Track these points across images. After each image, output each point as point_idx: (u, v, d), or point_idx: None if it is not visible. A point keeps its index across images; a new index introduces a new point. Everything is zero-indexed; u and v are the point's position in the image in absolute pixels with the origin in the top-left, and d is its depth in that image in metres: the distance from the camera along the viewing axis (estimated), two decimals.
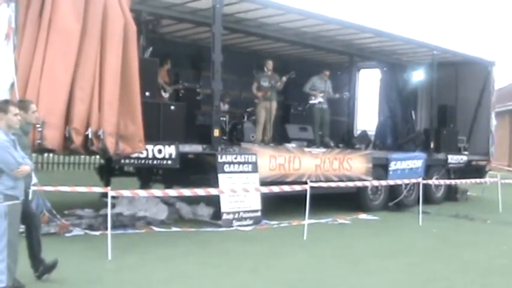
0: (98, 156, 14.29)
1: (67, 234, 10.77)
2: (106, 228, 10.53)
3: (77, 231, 11.04)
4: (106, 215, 11.69)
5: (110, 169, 14.81)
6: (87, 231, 11.16)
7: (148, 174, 14.98)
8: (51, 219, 10.72)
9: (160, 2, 14.10)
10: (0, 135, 6.55)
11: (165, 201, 13.64)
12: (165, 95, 14.76)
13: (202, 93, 16.40)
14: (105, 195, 13.23)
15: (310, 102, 16.77)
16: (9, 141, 6.59)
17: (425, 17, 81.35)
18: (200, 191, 10.71)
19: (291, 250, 10.45)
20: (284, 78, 15.65)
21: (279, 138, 16.64)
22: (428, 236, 12.73)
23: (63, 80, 9.78)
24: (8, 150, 6.53)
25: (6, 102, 7.01)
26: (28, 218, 7.27)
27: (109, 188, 9.34)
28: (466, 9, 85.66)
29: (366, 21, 16.77)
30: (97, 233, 11.03)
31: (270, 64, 15.61)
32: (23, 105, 7.37)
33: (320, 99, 16.70)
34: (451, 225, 14.39)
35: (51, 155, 20.60)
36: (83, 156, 21.00)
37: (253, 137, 15.35)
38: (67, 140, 9.84)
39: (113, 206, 9.69)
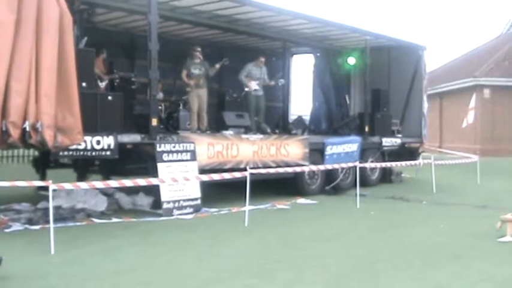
0: (31, 149, 14.14)
1: (6, 230, 10.66)
2: (46, 222, 10.53)
3: (17, 227, 10.93)
4: (45, 209, 11.70)
5: (46, 161, 14.64)
6: (26, 225, 11.05)
7: (85, 165, 14.86)
8: None
9: None
10: None
11: (104, 192, 13.57)
12: (102, 85, 14.65)
13: (137, 83, 16.34)
14: (42, 188, 13.20)
15: (246, 90, 16.89)
16: None
17: (358, 2, 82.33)
18: (141, 181, 10.73)
19: (233, 237, 10.56)
20: (217, 65, 15.76)
21: (216, 125, 16.73)
22: (367, 218, 13.04)
23: None
24: None
25: None
26: None
27: (50, 181, 9.25)
28: None
29: (299, 7, 16.92)
30: (37, 227, 10.94)
31: (198, 50, 15.60)
32: None
33: (256, 87, 16.85)
34: (388, 207, 14.74)
35: None
36: (16, 150, 20.67)
37: (189, 125, 15.40)
38: (4, 134, 9.67)
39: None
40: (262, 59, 17.30)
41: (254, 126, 16.70)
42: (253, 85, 16.82)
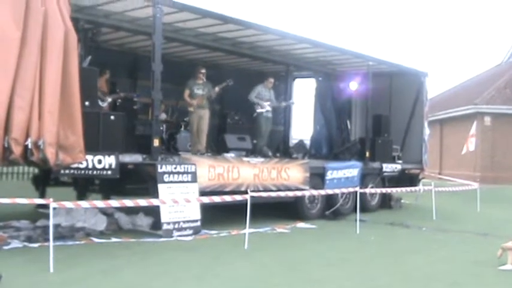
0: (32, 167, 14.12)
1: (5, 247, 10.59)
2: (45, 240, 10.51)
3: (15, 244, 10.87)
4: (44, 227, 11.67)
5: (46, 179, 14.63)
6: (25, 243, 10.99)
7: (85, 184, 14.83)
8: None
9: (99, 10, 14.04)
10: None
11: (104, 211, 13.53)
12: (103, 105, 14.67)
13: (139, 103, 16.36)
14: (41, 206, 13.16)
15: (258, 111, 16.91)
16: None
17: (361, 29, 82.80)
18: (142, 202, 10.71)
19: (233, 259, 10.52)
20: (222, 85, 15.72)
21: (217, 148, 16.73)
22: (367, 243, 12.98)
23: (1, 88, 9.57)
24: None
25: None
26: None
27: (51, 199, 9.22)
28: (399, 22, 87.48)
29: (303, 32, 17.03)
30: (36, 245, 10.89)
31: (203, 72, 15.56)
32: None
33: (268, 108, 16.90)
34: (387, 233, 14.68)
35: None
36: (16, 166, 20.64)
37: (190, 146, 15.38)
38: (6, 150, 9.64)
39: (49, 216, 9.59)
40: (271, 80, 17.37)
41: (262, 149, 16.76)
42: (266, 106, 16.86)
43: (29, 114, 9.80)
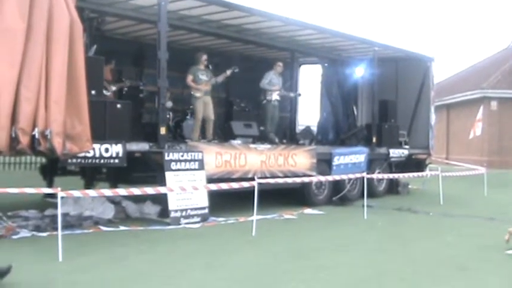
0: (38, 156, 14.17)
1: (14, 237, 10.66)
2: (53, 229, 10.58)
3: (24, 233, 10.93)
4: (52, 216, 11.74)
5: (53, 169, 14.66)
6: (34, 232, 11.04)
7: (92, 173, 14.89)
8: None
9: None
10: None
11: (111, 199, 13.59)
12: (107, 93, 14.66)
13: (145, 91, 16.37)
14: (48, 195, 13.22)
15: (268, 98, 16.93)
16: None
17: (366, 13, 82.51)
18: (150, 190, 10.75)
19: (241, 246, 10.55)
20: (228, 72, 15.68)
21: (224, 135, 16.74)
22: (375, 229, 13.00)
23: (8, 80, 9.60)
24: None
25: None
26: None
27: (59, 188, 9.25)
28: (405, 6, 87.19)
29: (308, 18, 16.96)
30: (45, 234, 10.93)
31: (204, 58, 15.44)
32: None
33: (277, 97, 16.94)
34: (395, 218, 14.69)
35: None
36: (23, 156, 20.71)
37: (193, 133, 15.37)
38: (13, 140, 9.68)
39: (57, 205, 9.63)
40: (281, 64, 17.44)
41: (269, 135, 16.83)
42: (275, 95, 16.88)
43: (36, 105, 9.83)
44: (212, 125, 15.43)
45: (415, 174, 18.55)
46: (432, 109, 21.10)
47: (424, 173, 19.73)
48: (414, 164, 20.49)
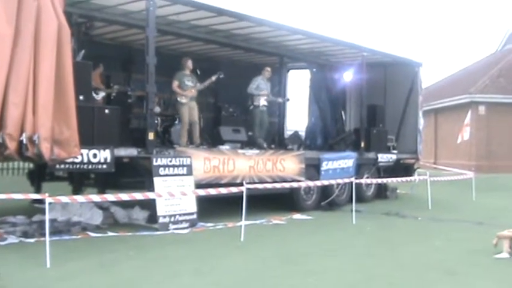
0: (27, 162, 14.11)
1: (1, 243, 10.59)
2: (41, 235, 10.53)
3: (12, 239, 10.86)
4: (40, 222, 11.68)
5: (41, 174, 14.60)
6: (22, 238, 10.98)
7: (80, 178, 14.82)
8: None
9: (92, 4, 13.99)
10: None
11: (100, 205, 13.55)
12: (98, 98, 14.65)
13: (133, 96, 16.33)
14: (36, 201, 13.16)
15: (255, 103, 16.93)
16: None
17: (355, 18, 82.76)
18: (138, 195, 10.72)
19: (230, 252, 10.54)
20: (213, 78, 15.68)
21: (212, 140, 16.73)
22: (363, 234, 13.01)
23: None
24: None
25: None
26: None
27: (47, 194, 9.21)
28: (393, 11, 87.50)
29: (297, 23, 17.01)
30: (32, 240, 10.87)
31: (190, 63, 15.44)
32: None
33: (264, 102, 16.94)
34: (383, 223, 14.70)
35: None
36: (11, 162, 20.62)
37: (180, 138, 15.33)
38: (1, 146, 9.65)
39: (45, 211, 9.59)
40: (269, 69, 17.44)
41: (257, 141, 16.82)
42: (262, 100, 16.87)
43: (23, 110, 9.81)
44: (198, 128, 15.44)
45: (404, 179, 18.59)
46: (420, 114, 21.15)
47: (412, 178, 19.80)
48: (402, 169, 20.50)
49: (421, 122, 21.24)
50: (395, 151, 20.54)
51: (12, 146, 9.72)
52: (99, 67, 15.03)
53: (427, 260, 10.16)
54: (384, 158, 19.63)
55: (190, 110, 15.19)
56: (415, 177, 19.92)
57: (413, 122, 21.15)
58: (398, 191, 21.17)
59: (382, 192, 20.10)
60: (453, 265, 9.77)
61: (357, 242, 11.92)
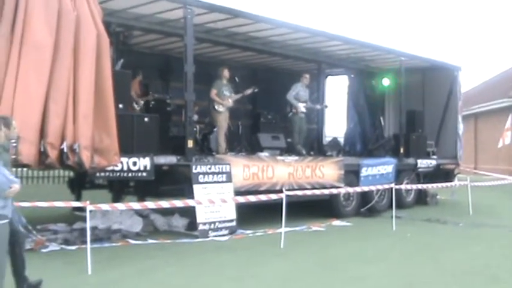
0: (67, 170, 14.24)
1: (43, 250, 10.68)
2: (82, 243, 10.61)
3: (53, 247, 10.95)
4: (81, 229, 11.77)
5: (81, 182, 14.73)
6: (63, 246, 11.07)
7: (120, 186, 14.91)
8: (26, 235, 10.65)
9: (130, 13, 14.06)
10: None
11: (139, 213, 13.61)
12: (137, 107, 14.75)
13: (172, 104, 16.40)
14: (77, 209, 13.26)
15: (294, 110, 16.96)
16: None
17: (392, 23, 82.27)
18: (178, 203, 10.74)
19: (270, 259, 10.50)
20: (248, 91, 15.82)
21: (251, 147, 16.72)
22: (403, 240, 12.88)
23: (37, 94, 9.68)
24: (0, 169, 6.43)
25: None
26: (12, 236, 7.10)
27: (88, 202, 9.28)
28: (430, 15, 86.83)
29: (334, 29, 16.96)
30: (73, 247, 10.96)
31: (227, 72, 15.52)
32: (5, 122, 7.27)
33: (303, 109, 16.94)
34: (424, 229, 14.54)
35: (19, 169, 20.38)
36: (52, 170, 20.84)
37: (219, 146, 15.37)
38: (42, 154, 9.76)
39: (86, 219, 9.64)
40: (307, 76, 17.44)
41: (297, 148, 16.79)
42: (301, 107, 16.85)
43: (64, 119, 9.90)
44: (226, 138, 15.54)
45: (444, 184, 18.39)
46: (460, 119, 20.94)
47: (452, 183, 19.57)
48: (442, 174, 20.29)
49: (461, 127, 21.01)
50: (435, 156, 20.35)
51: (53, 154, 9.81)
52: (138, 75, 15.13)
53: (469, 267, 10.04)
54: (424, 163, 19.45)
55: (225, 119, 15.36)
56: (456, 183, 19.68)
57: (453, 127, 20.94)
58: (438, 196, 20.90)
59: (422, 198, 19.89)
60: (496, 271, 9.64)
61: (398, 249, 11.82)
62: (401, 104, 19.56)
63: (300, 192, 13.30)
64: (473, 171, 27.77)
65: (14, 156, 9.26)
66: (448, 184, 19.05)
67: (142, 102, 15.08)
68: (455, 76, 20.88)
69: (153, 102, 15.84)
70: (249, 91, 15.83)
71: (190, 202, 11.36)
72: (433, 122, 20.88)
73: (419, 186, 18.10)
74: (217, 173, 13.03)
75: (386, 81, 20.79)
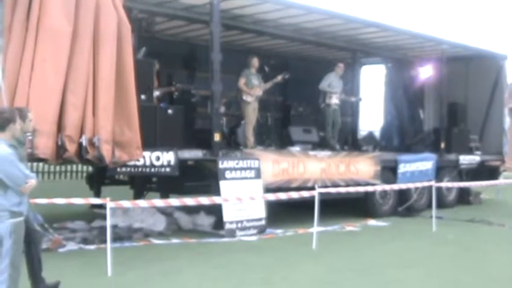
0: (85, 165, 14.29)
1: (61, 250, 10.73)
2: (102, 242, 10.63)
3: (71, 246, 11.00)
4: (100, 228, 11.82)
5: (101, 178, 14.76)
6: (81, 245, 11.13)
7: (142, 182, 14.94)
8: (42, 233, 10.70)
9: None
10: (5, 148, 6.43)
11: (163, 210, 13.62)
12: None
13: (197, 95, 16.37)
14: (96, 205, 13.30)
15: (327, 102, 16.85)
16: (14, 154, 6.49)
17: (433, 10, 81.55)
18: (204, 200, 10.74)
19: (301, 260, 10.47)
20: (279, 78, 15.68)
21: (281, 141, 16.66)
22: (445, 242, 12.77)
23: (54, 85, 9.71)
24: (16, 164, 6.43)
25: (13, 111, 6.99)
26: (28, 235, 7.10)
27: (108, 198, 9.28)
28: (475, 2, 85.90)
29: (370, 16, 16.84)
30: (92, 247, 11.02)
31: (256, 61, 15.43)
32: (20, 113, 7.25)
33: (337, 101, 16.83)
34: (467, 231, 14.41)
35: (35, 164, 20.51)
36: (69, 165, 20.96)
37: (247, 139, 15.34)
38: (60, 148, 9.80)
39: (105, 217, 9.65)
40: (341, 65, 17.38)
41: (331, 141, 16.70)
42: (335, 98, 16.78)
43: (83, 111, 9.94)
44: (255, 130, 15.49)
45: (488, 182, 18.22)
46: (506, 112, 20.70)
47: (497, 181, 19.36)
48: (487, 172, 20.06)
49: (507, 120, 20.78)
50: (478, 152, 20.15)
51: (71, 148, 9.85)
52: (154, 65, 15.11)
53: None
54: (466, 159, 19.27)
55: (254, 110, 15.22)
56: (501, 181, 19.47)
57: (498, 120, 20.70)
58: (482, 195, 20.73)
59: (464, 197, 19.72)
60: None
61: (439, 251, 11.71)
62: (443, 95, 19.42)
63: (333, 190, 13.22)
64: None
65: (29, 150, 9.33)
66: (493, 182, 18.86)
67: (157, 93, 15.02)
68: (501, 66, 20.63)
69: (176, 93, 15.80)
70: (279, 77, 15.72)
71: (216, 199, 11.35)
72: (476, 115, 20.68)
73: (462, 184, 17.94)
74: (246, 169, 13.01)
75: (426, 72, 20.59)
